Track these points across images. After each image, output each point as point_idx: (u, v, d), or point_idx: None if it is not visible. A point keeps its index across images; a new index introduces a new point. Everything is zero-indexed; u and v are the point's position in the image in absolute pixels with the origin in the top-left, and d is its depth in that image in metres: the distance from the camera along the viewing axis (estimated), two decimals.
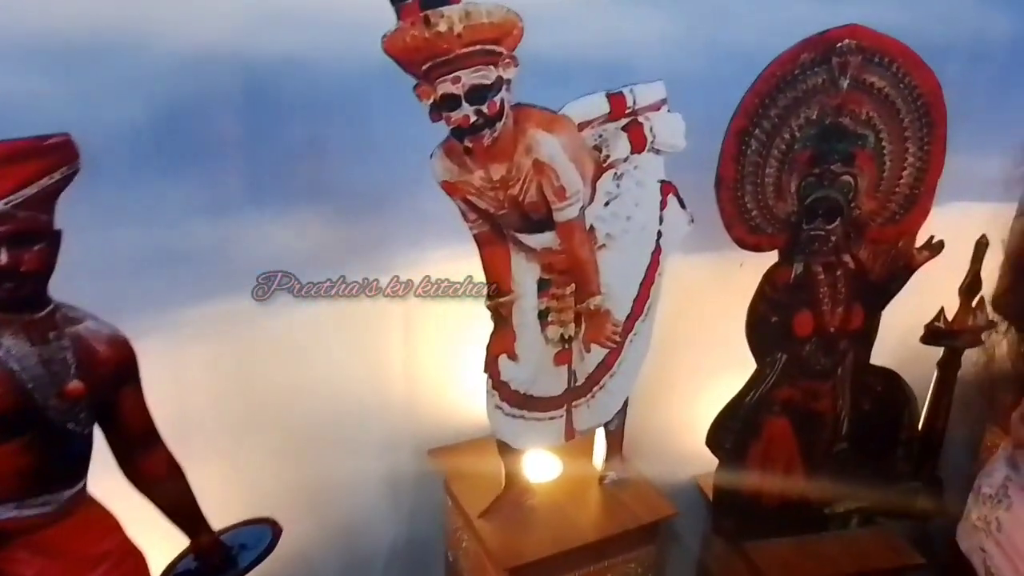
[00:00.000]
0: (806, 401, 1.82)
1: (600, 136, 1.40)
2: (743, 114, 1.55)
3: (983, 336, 1.87)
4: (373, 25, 1.23)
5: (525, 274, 1.43)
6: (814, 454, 1.87)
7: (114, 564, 1.09)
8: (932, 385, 1.93)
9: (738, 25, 1.70)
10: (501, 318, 1.44)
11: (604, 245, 1.46)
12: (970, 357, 1.94)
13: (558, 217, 1.37)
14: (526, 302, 1.45)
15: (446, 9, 1.16)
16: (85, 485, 1.08)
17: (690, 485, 2.03)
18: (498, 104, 1.23)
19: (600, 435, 1.72)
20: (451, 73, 1.19)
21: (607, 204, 1.43)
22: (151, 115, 1.31)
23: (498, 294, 1.42)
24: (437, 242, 1.57)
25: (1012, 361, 2.06)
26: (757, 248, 1.68)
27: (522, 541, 1.55)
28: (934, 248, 1.76)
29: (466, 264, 1.52)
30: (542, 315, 1.48)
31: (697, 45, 1.70)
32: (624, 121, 1.40)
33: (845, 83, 1.57)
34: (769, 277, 1.70)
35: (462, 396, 1.75)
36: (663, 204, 1.50)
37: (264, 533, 1.27)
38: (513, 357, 1.47)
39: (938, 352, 1.92)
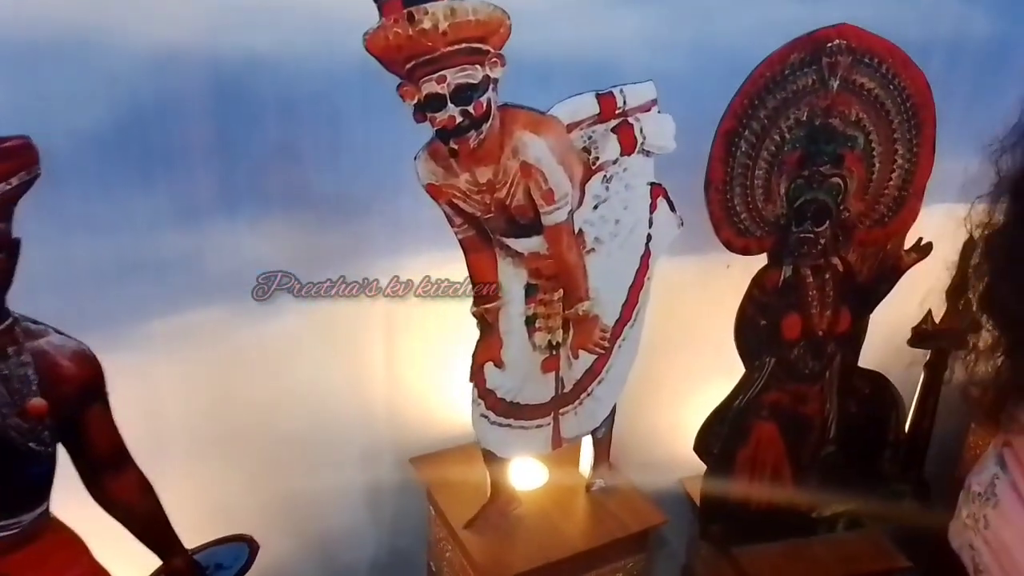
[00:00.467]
0: (794, 405, 1.79)
1: (589, 138, 1.35)
2: (731, 116, 1.52)
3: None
4: (349, 23, 1.17)
5: (512, 280, 1.39)
6: (802, 458, 1.85)
7: None
8: (919, 387, 1.92)
9: (728, 25, 1.67)
10: (487, 325, 1.40)
11: (593, 249, 1.42)
12: (957, 358, 1.93)
13: (546, 221, 1.33)
14: (513, 308, 1.41)
15: (431, 5, 1.11)
16: (48, 507, 1.02)
17: (676, 489, 2.00)
18: (484, 104, 1.19)
19: (587, 443, 1.68)
20: (436, 72, 1.15)
21: (596, 207, 1.39)
22: (116, 119, 1.24)
23: (484, 300, 1.37)
24: (416, 248, 1.53)
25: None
26: (746, 251, 1.65)
27: (508, 552, 1.51)
28: (922, 250, 1.74)
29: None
30: (529, 321, 1.44)
31: (687, 45, 1.67)
32: (614, 122, 1.36)
33: (835, 84, 1.55)
34: (758, 280, 1.68)
35: (444, 402, 1.70)
36: (653, 207, 1.46)
37: (240, 551, 1.21)
38: (500, 365, 1.43)
39: (923, 353, 1.91)
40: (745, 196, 1.60)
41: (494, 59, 1.18)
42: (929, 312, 1.83)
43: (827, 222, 1.64)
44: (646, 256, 1.49)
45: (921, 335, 1.84)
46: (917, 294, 1.88)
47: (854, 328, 1.76)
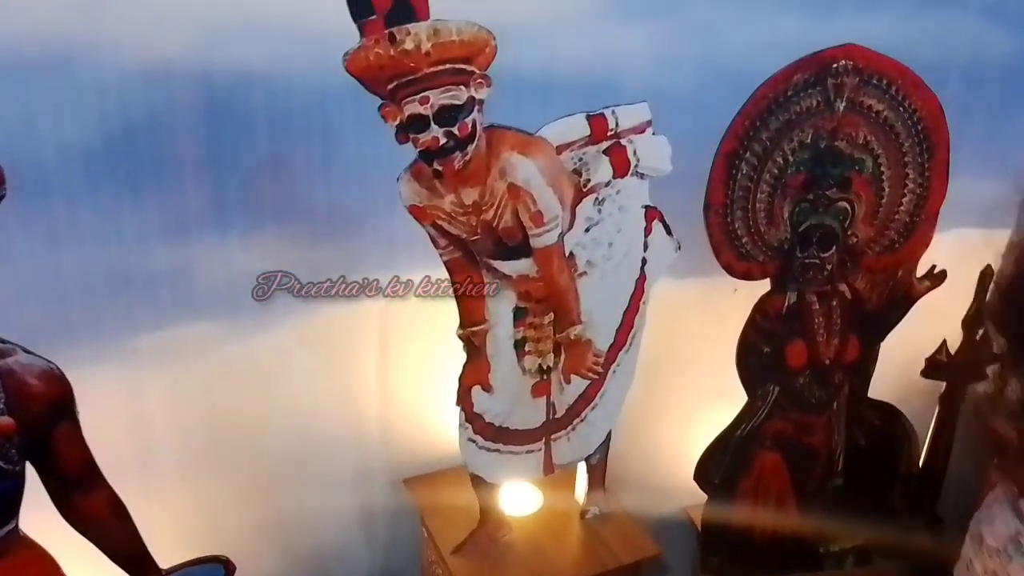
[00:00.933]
0: (799, 435, 1.74)
1: (580, 159, 1.33)
2: (732, 137, 1.48)
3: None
4: (340, 39, 1.16)
5: (500, 302, 1.37)
6: (808, 490, 1.79)
7: None
8: (933, 420, 1.84)
9: (731, 44, 1.64)
10: (474, 348, 1.38)
11: (585, 272, 1.39)
12: (975, 390, 1.85)
13: (535, 243, 1.30)
14: (501, 331, 1.38)
15: (413, 26, 1.10)
16: (17, 524, 1.02)
17: (681, 517, 1.95)
18: (469, 126, 1.17)
19: (582, 469, 1.64)
20: (419, 93, 1.13)
21: (588, 230, 1.37)
22: (106, 132, 1.25)
23: (470, 324, 1.35)
24: (411, 264, 1.51)
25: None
26: (747, 276, 1.60)
27: None
28: (936, 278, 1.68)
29: None
30: (518, 345, 1.41)
31: (689, 64, 1.64)
32: (606, 144, 1.34)
33: (841, 105, 1.50)
34: (760, 306, 1.63)
35: (440, 421, 1.67)
36: (648, 230, 1.43)
37: (216, 572, 1.20)
38: (487, 388, 1.41)
39: (938, 385, 1.84)
40: (747, 219, 1.55)
41: (479, 80, 1.16)
42: (944, 342, 1.76)
43: (833, 247, 1.59)
44: (641, 280, 1.46)
45: (935, 366, 1.77)
46: (932, 323, 1.82)
47: (863, 357, 1.70)
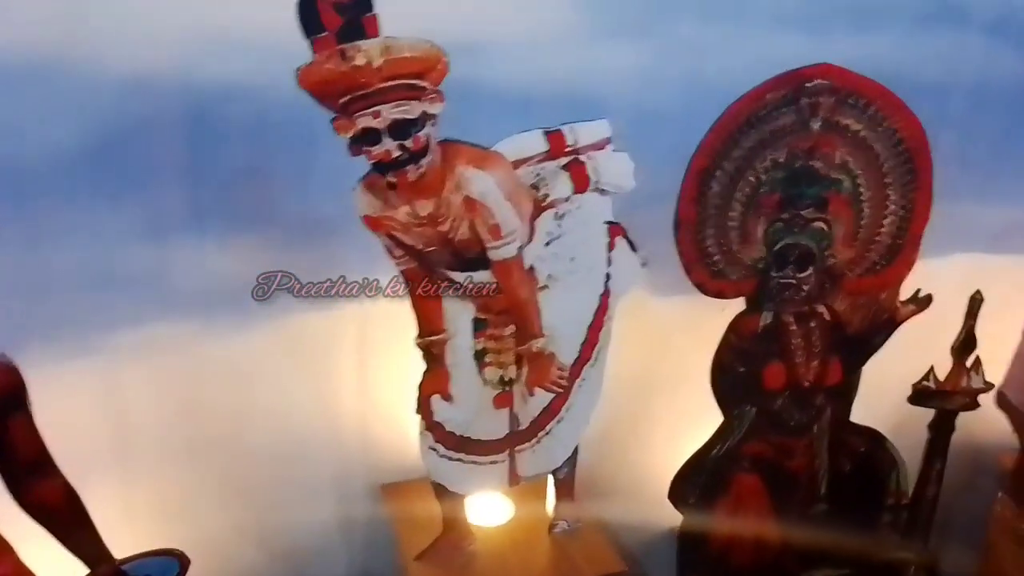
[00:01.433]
0: (779, 458, 1.71)
1: (538, 175, 1.35)
2: (704, 153, 1.48)
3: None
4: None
5: (459, 313, 1.39)
6: (789, 515, 1.75)
7: None
8: (924, 449, 1.79)
9: (720, 62, 1.64)
10: (433, 357, 1.40)
11: (546, 286, 1.40)
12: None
13: (493, 256, 1.32)
14: (460, 341, 1.40)
15: (364, 43, 1.13)
16: None
17: (669, 534, 1.93)
18: (423, 139, 1.20)
19: (551, 482, 1.65)
20: (370, 107, 1.17)
21: (548, 244, 1.38)
22: (88, 139, 1.33)
23: (428, 333, 1.38)
24: (388, 268, 1.55)
25: None
26: (720, 294, 1.59)
27: None
28: (921, 302, 1.64)
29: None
30: (479, 356, 1.43)
31: (676, 82, 1.65)
32: (565, 160, 1.35)
33: (817, 125, 1.49)
34: (735, 325, 1.61)
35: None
36: (611, 245, 1.44)
37: (171, 566, 1.24)
38: (447, 398, 1.43)
39: (928, 412, 1.78)
40: (719, 237, 1.55)
41: (431, 95, 1.19)
42: (931, 369, 1.71)
43: (811, 268, 1.57)
44: (605, 295, 1.46)
45: (923, 393, 1.71)
46: (926, 349, 1.77)
47: (845, 381, 1.67)
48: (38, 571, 1.17)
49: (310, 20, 1.12)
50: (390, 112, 1.17)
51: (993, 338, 1.79)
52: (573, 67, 1.60)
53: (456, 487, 1.51)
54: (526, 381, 1.45)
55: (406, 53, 1.15)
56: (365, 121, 1.17)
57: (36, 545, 1.17)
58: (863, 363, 1.67)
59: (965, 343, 1.69)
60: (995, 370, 1.75)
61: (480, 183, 1.26)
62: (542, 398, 1.48)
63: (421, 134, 1.20)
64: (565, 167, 1.35)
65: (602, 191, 1.40)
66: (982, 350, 1.74)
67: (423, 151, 1.21)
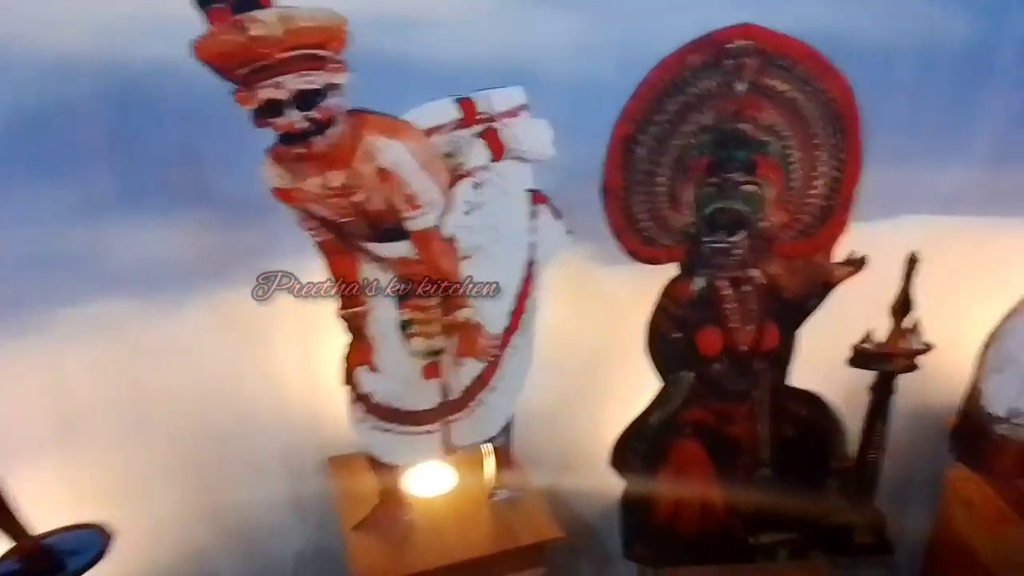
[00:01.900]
0: (720, 424, 1.71)
1: (453, 143, 1.34)
2: (627, 120, 1.48)
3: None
4: None
5: (380, 284, 1.39)
6: (734, 480, 1.76)
7: None
8: (866, 412, 1.79)
9: (646, 26, 1.63)
10: (356, 329, 1.41)
11: (470, 256, 1.40)
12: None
13: (411, 226, 1.32)
14: (383, 313, 1.41)
15: (261, 13, 1.12)
16: None
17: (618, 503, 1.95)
18: (329, 110, 1.19)
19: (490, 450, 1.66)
20: (271, 79, 1.16)
21: (469, 213, 1.38)
22: (16, 118, 1.34)
23: (349, 305, 1.38)
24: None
25: None
26: (653, 260, 1.59)
27: (390, 557, 1.50)
28: (855, 264, 1.63)
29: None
30: (405, 327, 1.43)
31: (599, 48, 1.64)
32: (479, 128, 1.35)
33: (743, 87, 1.48)
34: (669, 291, 1.62)
35: None
36: (534, 214, 1.43)
37: (94, 538, 1.26)
38: (373, 369, 1.43)
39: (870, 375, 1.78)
40: (649, 203, 1.55)
41: (335, 64, 1.18)
42: (869, 331, 1.70)
43: (742, 232, 1.57)
44: (531, 264, 1.46)
45: (862, 355, 1.71)
46: (865, 313, 1.76)
47: (783, 345, 1.67)
48: None
49: None
50: (293, 83, 1.17)
51: (938, 299, 1.79)
52: (503, 38, 1.60)
53: (388, 458, 1.52)
54: (455, 351, 1.46)
55: (307, 22, 1.14)
56: (267, 93, 1.16)
57: None
58: (799, 326, 1.67)
59: (902, 304, 1.68)
60: (936, 331, 1.74)
61: (392, 152, 1.25)
62: (472, 368, 1.49)
63: (326, 104, 1.19)
64: (480, 135, 1.35)
65: (521, 159, 1.39)
66: (926, 311, 1.74)
67: (329, 121, 1.20)
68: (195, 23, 1.36)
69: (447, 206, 1.35)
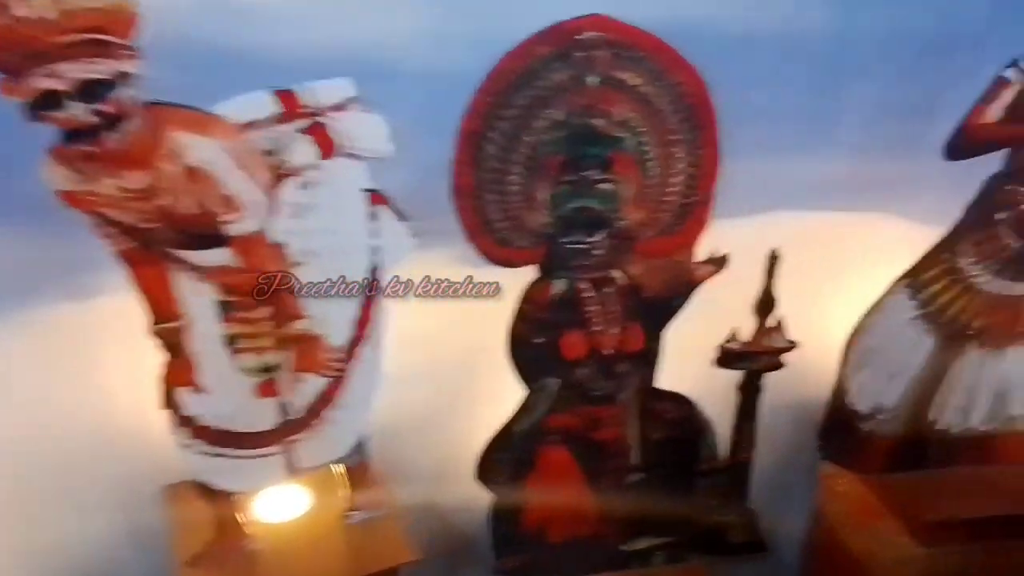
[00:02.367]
0: (587, 429, 1.65)
1: (273, 139, 1.23)
2: (474, 115, 1.38)
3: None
4: None
5: (197, 296, 1.26)
6: (604, 486, 1.71)
7: None
8: (735, 411, 1.77)
9: (502, 14, 1.55)
10: (173, 346, 1.27)
11: (302, 263, 1.29)
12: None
13: (231, 231, 1.20)
14: (203, 327, 1.28)
15: None
16: None
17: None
18: (120, 103, 1.06)
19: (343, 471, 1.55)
20: (45, 66, 1.02)
21: (297, 216, 1.27)
22: None
23: (162, 320, 1.25)
24: None
25: None
26: (509, 263, 1.51)
27: None
28: (717, 262, 1.59)
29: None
30: (232, 341, 1.31)
31: (448, 36, 1.56)
32: (304, 123, 1.23)
33: (595, 80, 1.41)
34: (529, 295, 1.53)
35: None
36: (374, 216, 1.33)
37: None
38: (197, 389, 1.30)
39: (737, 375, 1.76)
40: (501, 203, 1.46)
41: (124, 51, 1.05)
42: (734, 330, 1.68)
43: (601, 231, 1.51)
44: (375, 269, 1.36)
45: (728, 355, 1.69)
46: (730, 312, 1.74)
47: (648, 346, 1.63)
48: None
49: None
50: (73, 71, 1.03)
51: (801, 296, 1.79)
52: (344, 28, 1.50)
53: (224, 484, 1.40)
54: (293, 366, 1.35)
55: (84, 3, 1.00)
56: (42, 82, 1.02)
57: None
58: (664, 327, 1.62)
59: (765, 302, 1.66)
60: (801, 329, 1.74)
61: (202, 150, 1.13)
62: (315, 384, 1.38)
63: (116, 96, 1.05)
64: (305, 131, 1.23)
65: (355, 156, 1.28)
66: (790, 309, 1.73)
67: (121, 116, 1.07)
68: None
69: (271, 208, 1.24)
